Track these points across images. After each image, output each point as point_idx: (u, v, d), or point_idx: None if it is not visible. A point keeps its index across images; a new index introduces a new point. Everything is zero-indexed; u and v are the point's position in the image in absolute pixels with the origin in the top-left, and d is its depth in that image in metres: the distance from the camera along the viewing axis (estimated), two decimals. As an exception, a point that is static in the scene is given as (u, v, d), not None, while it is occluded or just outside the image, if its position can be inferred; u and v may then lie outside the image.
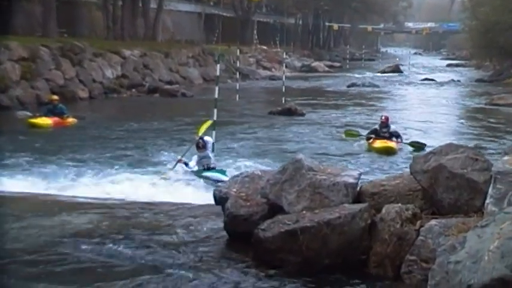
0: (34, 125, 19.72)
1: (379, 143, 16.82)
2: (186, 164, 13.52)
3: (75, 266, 7.43)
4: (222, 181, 12.28)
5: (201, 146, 13.46)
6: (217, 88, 14.89)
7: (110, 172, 13.73)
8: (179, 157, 13.80)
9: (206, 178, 13.01)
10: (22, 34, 31.75)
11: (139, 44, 40.33)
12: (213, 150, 14.45)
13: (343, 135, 18.87)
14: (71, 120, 20.89)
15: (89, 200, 11.03)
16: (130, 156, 15.68)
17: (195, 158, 13.56)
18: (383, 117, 17.88)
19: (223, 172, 12.99)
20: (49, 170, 13.71)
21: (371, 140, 17.15)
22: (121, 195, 11.59)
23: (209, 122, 14.39)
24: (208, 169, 13.31)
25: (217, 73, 15.88)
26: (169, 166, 13.69)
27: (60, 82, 28.86)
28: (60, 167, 14.05)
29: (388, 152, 16.47)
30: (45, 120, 20.10)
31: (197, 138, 13.75)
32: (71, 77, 30.11)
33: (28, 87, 26.55)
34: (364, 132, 18.21)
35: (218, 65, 16.14)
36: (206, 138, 13.53)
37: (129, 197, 11.49)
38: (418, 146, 16.37)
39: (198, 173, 13.33)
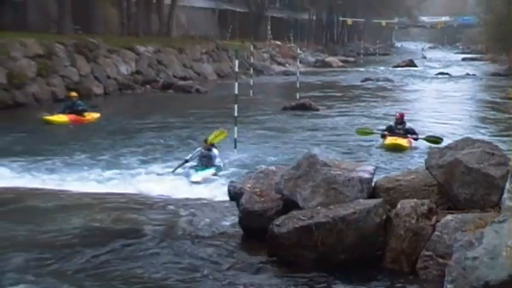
0: (49, 122, 19.67)
1: (389, 140, 16.68)
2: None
3: (92, 261, 7.49)
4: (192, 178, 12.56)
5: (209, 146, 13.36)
6: (236, 84, 14.83)
7: (125, 168, 13.74)
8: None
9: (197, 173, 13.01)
10: (37, 31, 31.84)
11: (153, 40, 40.35)
12: (235, 146, 14.38)
13: (356, 133, 18.54)
14: (90, 117, 20.80)
15: (104, 196, 11.09)
16: (145, 152, 15.68)
17: (197, 151, 13.42)
18: (397, 114, 17.69)
19: (196, 169, 12.95)
20: (63, 166, 13.75)
21: (385, 137, 17.02)
22: (135, 191, 11.63)
23: (223, 135, 14.09)
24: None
25: (236, 69, 15.81)
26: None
27: (75, 79, 28.95)
28: (76, 163, 14.08)
29: (397, 149, 16.31)
30: (61, 118, 19.99)
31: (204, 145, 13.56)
32: (86, 74, 30.20)
33: (44, 84, 26.63)
34: (378, 129, 18.06)
35: (237, 61, 16.06)
36: (215, 150, 13.40)
37: (144, 192, 11.52)
38: (434, 141, 16.17)
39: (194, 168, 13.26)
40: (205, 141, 13.46)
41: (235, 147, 14.49)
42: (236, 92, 14.79)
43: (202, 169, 13.01)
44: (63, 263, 7.43)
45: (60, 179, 12.52)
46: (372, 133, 17.93)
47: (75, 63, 29.63)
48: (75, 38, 32.56)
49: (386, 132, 17.06)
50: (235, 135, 14.50)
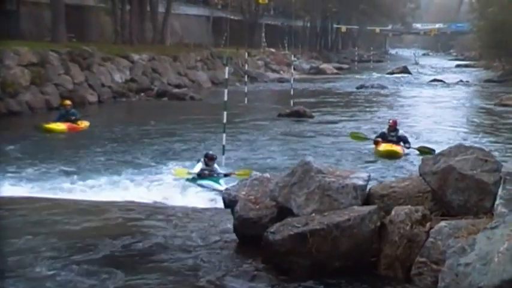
0: (49, 131, 19.71)
1: (383, 147, 16.67)
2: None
3: (83, 270, 7.47)
4: (216, 189, 12.61)
5: (210, 158, 13.46)
6: (226, 91, 14.91)
7: (119, 176, 13.78)
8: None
9: (201, 185, 13.09)
10: (31, 39, 31.86)
11: (147, 48, 40.40)
12: (223, 153, 14.47)
13: (350, 137, 18.68)
14: (83, 125, 20.87)
15: (97, 204, 11.09)
16: (139, 160, 15.73)
17: (199, 165, 13.50)
18: (391, 121, 17.69)
19: (217, 181, 13.03)
20: (59, 175, 13.79)
21: (378, 144, 17.02)
22: (129, 199, 11.64)
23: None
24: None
25: (226, 76, 15.89)
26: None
27: (69, 87, 28.95)
28: (70, 172, 14.12)
29: (392, 156, 16.31)
30: (60, 126, 20.10)
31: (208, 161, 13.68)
32: (80, 82, 30.20)
33: (38, 92, 26.62)
34: (372, 135, 18.12)
35: (227, 68, 16.15)
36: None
37: (137, 200, 11.53)
38: (426, 152, 16.13)
39: (193, 180, 13.34)
40: (206, 156, 13.58)
41: (223, 153, 14.52)
42: (225, 98, 14.86)
43: (217, 179, 13.10)
44: (53, 270, 7.43)
45: (57, 187, 12.56)
46: (366, 139, 18.01)
47: (69, 72, 29.66)
48: (69, 46, 32.58)
49: (379, 139, 17.09)
50: (224, 142, 14.56)
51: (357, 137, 18.48)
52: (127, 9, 42.39)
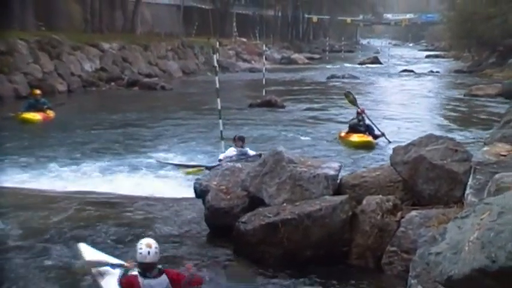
0: (25, 121, 19.41)
1: (357, 137, 16.47)
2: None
3: (51, 262, 7.41)
4: None
5: (242, 140, 12.96)
6: (217, 78, 14.69)
7: (90, 166, 13.62)
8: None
9: None
10: (-1, 27, 31.37)
11: (118, 36, 39.99)
12: (221, 138, 14.19)
13: (343, 96, 19.08)
14: (51, 114, 20.58)
15: (68, 194, 10.99)
16: (110, 150, 15.56)
17: (232, 150, 13.09)
18: (359, 110, 17.49)
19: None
20: (30, 165, 13.60)
21: (343, 134, 16.89)
22: (100, 189, 11.52)
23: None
24: None
25: (215, 64, 15.63)
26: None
27: (38, 76, 28.58)
28: (40, 162, 13.93)
29: (367, 147, 16.19)
30: (36, 116, 19.79)
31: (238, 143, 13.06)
32: (50, 71, 29.81)
33: (6, 81, 26.24)
34: (342, 125, 18.06)
35: (215, 56, 15.93)
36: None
37: (109, 191, 11.43)
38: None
39: None
40: (241, 139, 13.08)
41: (221, 139, 14.32)
42: (217, 85, 14.69)
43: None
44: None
45: (22, 178, 12.40)
46: (354, 105, 17.83)
47: (38, 60, 29.26)
48: (38, 34, 32.13)
49: (352, 129, 16.85)
50: (221, 128, 14.35)
51: (350, 100, 18.38)
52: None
